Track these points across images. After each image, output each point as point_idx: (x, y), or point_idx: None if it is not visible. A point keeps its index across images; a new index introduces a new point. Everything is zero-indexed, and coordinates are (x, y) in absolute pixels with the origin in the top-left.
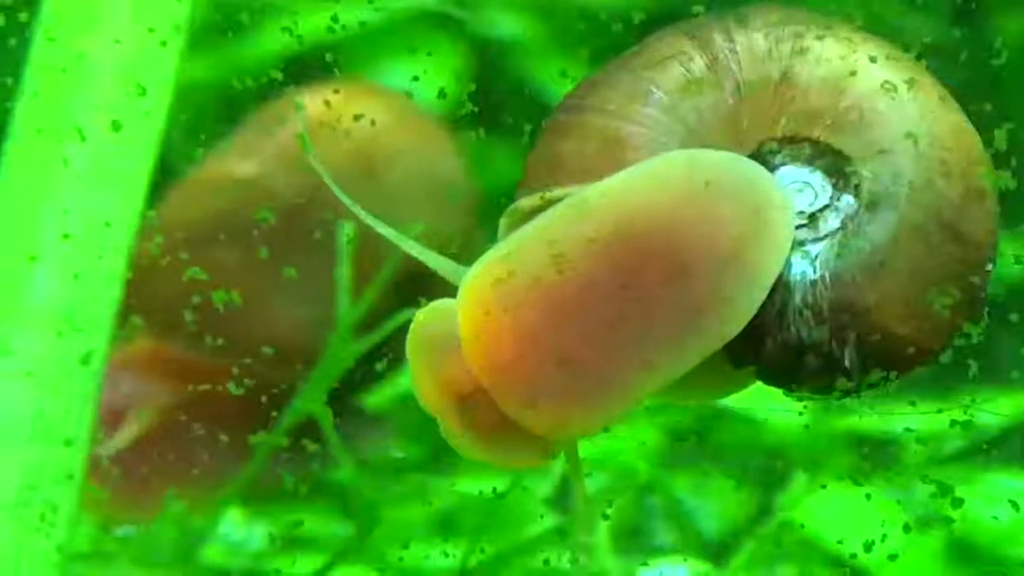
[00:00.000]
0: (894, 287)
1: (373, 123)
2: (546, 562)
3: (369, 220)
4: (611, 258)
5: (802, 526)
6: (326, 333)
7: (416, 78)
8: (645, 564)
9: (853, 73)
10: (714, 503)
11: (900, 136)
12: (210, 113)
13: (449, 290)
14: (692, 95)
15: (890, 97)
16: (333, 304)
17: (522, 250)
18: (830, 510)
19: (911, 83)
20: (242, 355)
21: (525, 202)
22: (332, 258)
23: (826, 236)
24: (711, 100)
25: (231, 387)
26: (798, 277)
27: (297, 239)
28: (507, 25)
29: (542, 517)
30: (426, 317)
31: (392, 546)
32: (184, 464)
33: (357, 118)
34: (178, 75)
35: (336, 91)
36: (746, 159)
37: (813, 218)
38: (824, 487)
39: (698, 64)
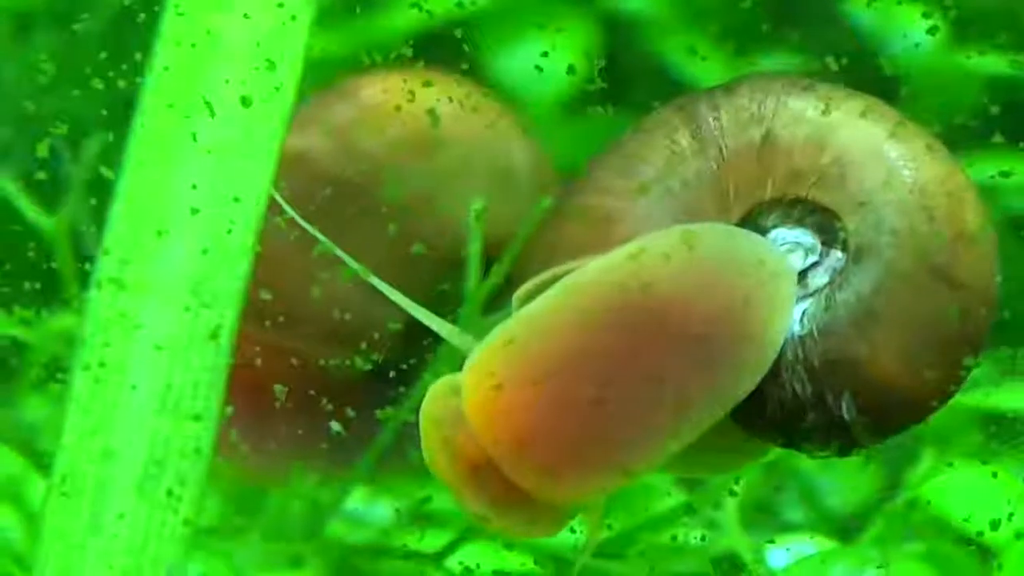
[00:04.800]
0: (885, 336)
1: (432, 109)
2: (673, 538)
3: (369, 277)
4: (612, 333)
5: (929, 504)
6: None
7: (545, 54)
8: (772, 541)
9: (834, 129)
10: (842, 480)
11: (879, 186)
12: None
13: None
14: (677, 166)
15: (870, 150)
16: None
17: (522, 329)
18: (957, 488)
19: (893, 135)
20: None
21: (528, 286)
22: (375, 237)
23: (815, 292)
24: (695, 169)
25: (358, 361)
26: (787, 334)
27: (342, 215)
28: (637, 1)
29: (669, 494)
30: (439, 390)
31: None
32: (312, 439)
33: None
34: (307, 50)
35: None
36: (742, 230)
37: (802, 275)
38: (951, 465)
39: (683, 135)
